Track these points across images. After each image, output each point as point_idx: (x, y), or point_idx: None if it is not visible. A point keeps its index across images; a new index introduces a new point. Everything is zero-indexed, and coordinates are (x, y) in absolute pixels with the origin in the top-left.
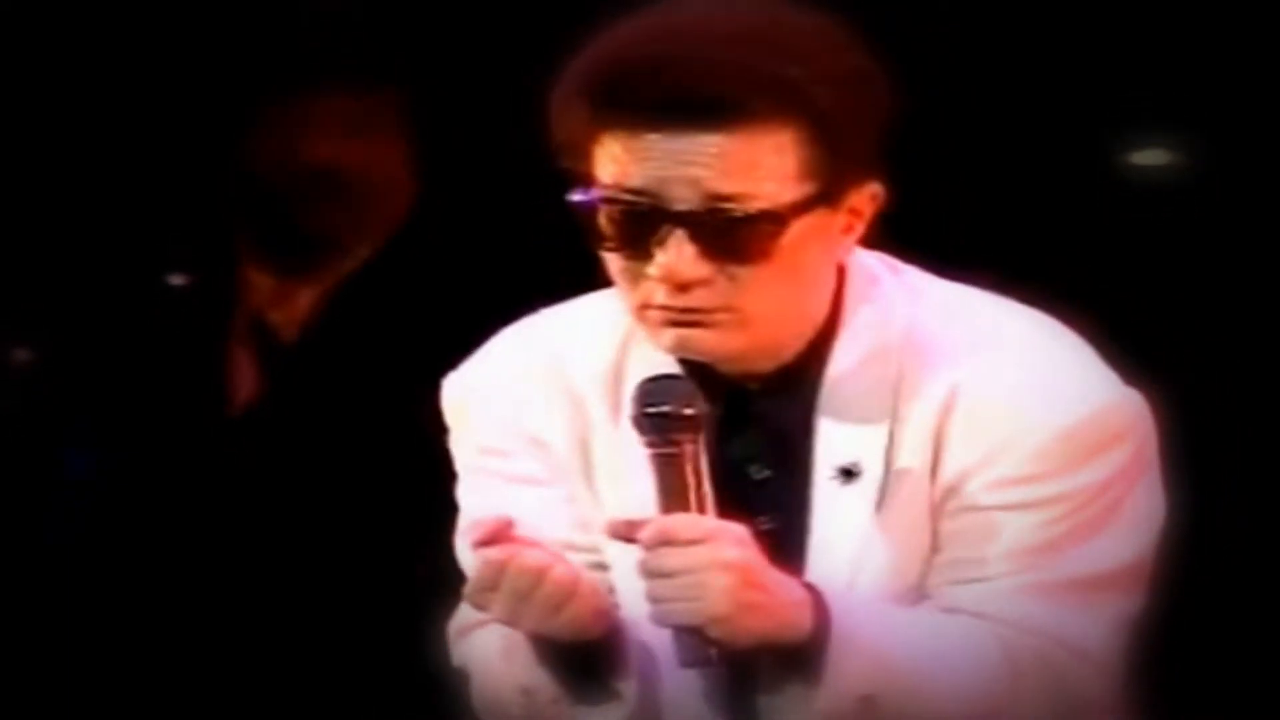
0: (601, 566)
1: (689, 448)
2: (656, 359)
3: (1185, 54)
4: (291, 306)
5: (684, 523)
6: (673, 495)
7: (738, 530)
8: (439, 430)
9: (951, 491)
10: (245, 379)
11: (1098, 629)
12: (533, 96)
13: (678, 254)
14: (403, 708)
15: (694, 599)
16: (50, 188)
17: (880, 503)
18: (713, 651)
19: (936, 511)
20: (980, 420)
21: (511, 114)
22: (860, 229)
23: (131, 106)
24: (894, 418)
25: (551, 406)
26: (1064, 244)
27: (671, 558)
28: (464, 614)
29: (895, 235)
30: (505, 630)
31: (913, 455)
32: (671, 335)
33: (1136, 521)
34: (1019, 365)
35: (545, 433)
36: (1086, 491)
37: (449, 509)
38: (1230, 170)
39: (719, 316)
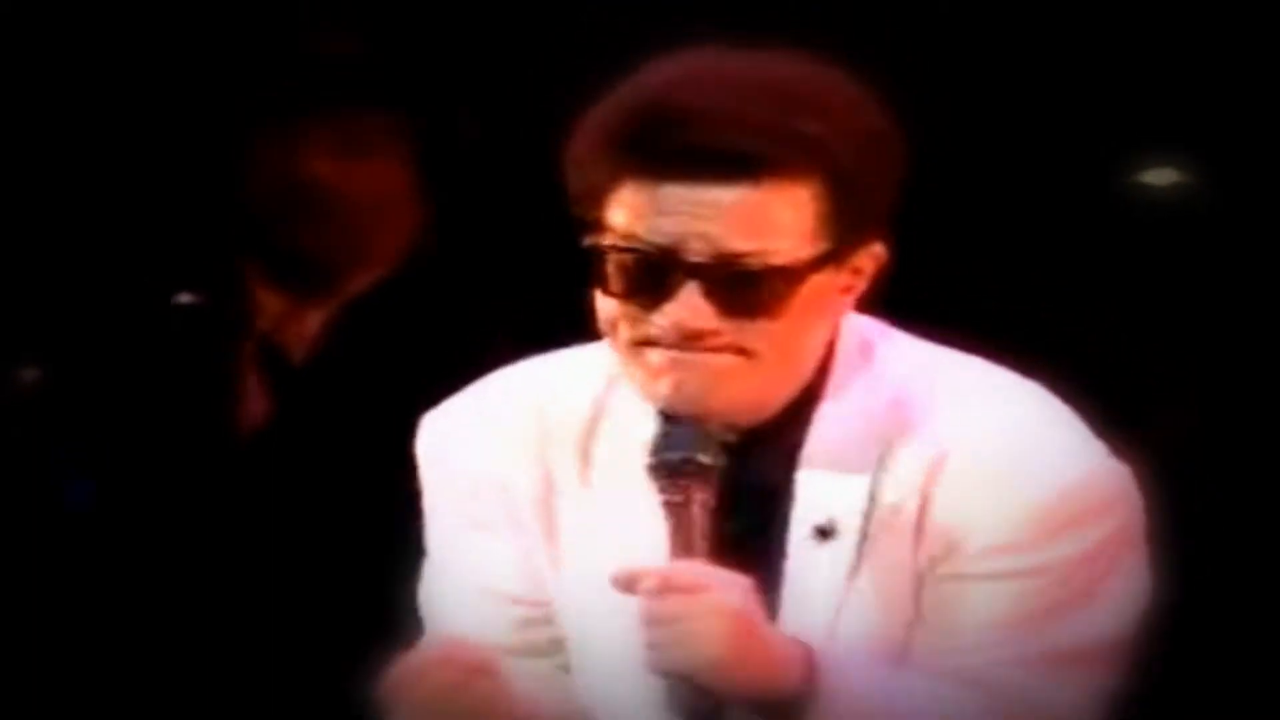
0: (544, 623)
1: (700, 496)
2: (634, 416)
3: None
4: (300, 328)
5: (687, 571)
6: (678, 544)
7: (740, 580)
8: None
9: (936, 559)
10: (254, 400)
11: (1077, 702)
12: (539, 120)
13: (687, 305)
14: None
15: (692, 645)
16: (57, 207)
17: (857, 564)
18: (704, 703)
19: (919, 580)
20: (966, 487)
21: (518, 137)
22: (860, 289)
23: (137, 126)
24: (875, 480)
25: (521, 459)
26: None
27: (673, 604)
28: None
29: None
30: None
31: (894, 519)
32: (663, 385)
33: (1121, 596)
34: (1006, 432)
35: (512, 484)
36: (1070, 562)
37: None
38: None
39: (721, 362)
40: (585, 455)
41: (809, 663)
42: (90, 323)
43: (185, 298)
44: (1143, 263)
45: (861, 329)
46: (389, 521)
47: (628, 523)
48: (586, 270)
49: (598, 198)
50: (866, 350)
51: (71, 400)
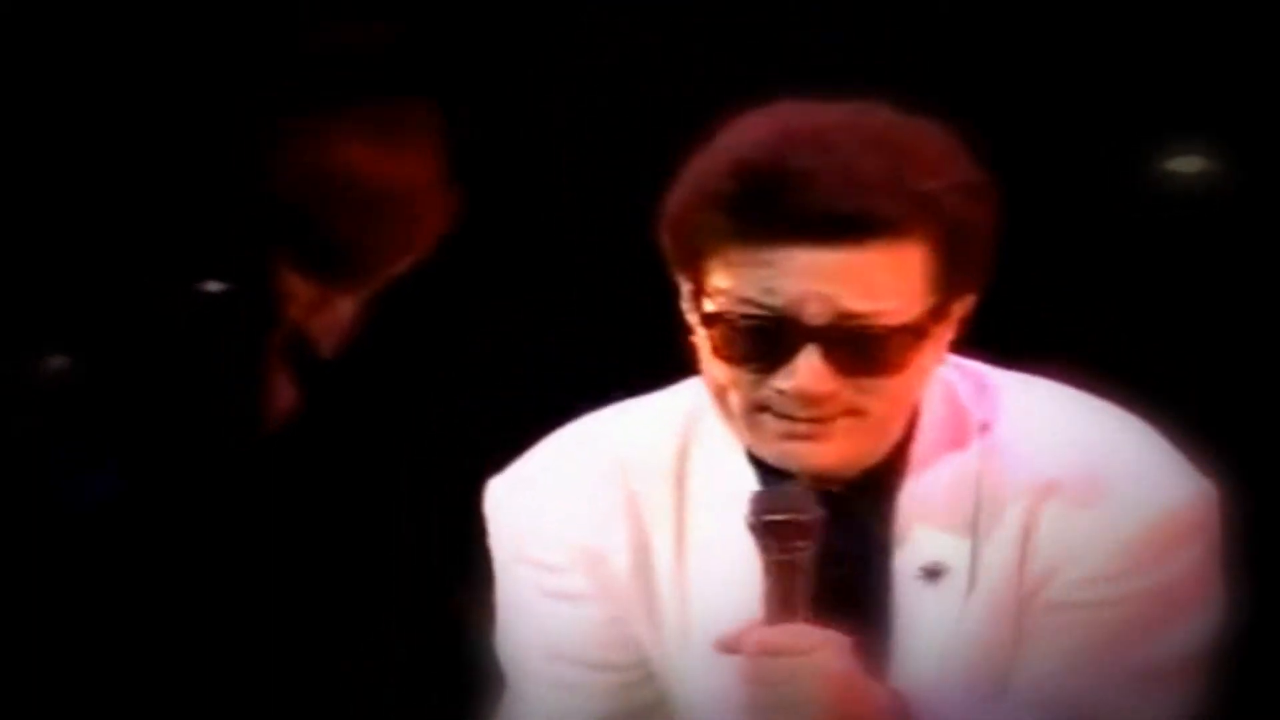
0: (636, 685)
1: (802, 555)
2: (721, 460)
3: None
4: (331, 318)
5: (791, 634)
6: (782, 601)
7: (842, 641)
8: (477, 445)
9: (1036, 589)
10: (283, 391)
11: (1166, 717)
12: (568, 109)
13: (809, 369)
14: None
15: (793, 709)
16: (84, 196)
17: (966, 601)
18: None
19: (1022, 610)
20: (1067, 518)
21: (553, 126)
22: (953, 334)
23: (166, 113)
24: (977, 516)
25: (610, 518)
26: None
27: (777, 668)
28: None
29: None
30: None
31: (999, 553)
32: (785, 448)
33: (1203, 613)
34: (1103, 461)
35: (603, 547)
36: (1162, 586)
37: (484, 521)
38: None
39: (840, 425)
40: (679, 505)
41: (904, 714)
42: (116, 312)
43: (212, 286)
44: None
45: (947, 375)
46: (416, 513)
47: (728, 569)
48: (614, 263)
49: (701, 261)
50: (945, 384)
51: (97, 390)
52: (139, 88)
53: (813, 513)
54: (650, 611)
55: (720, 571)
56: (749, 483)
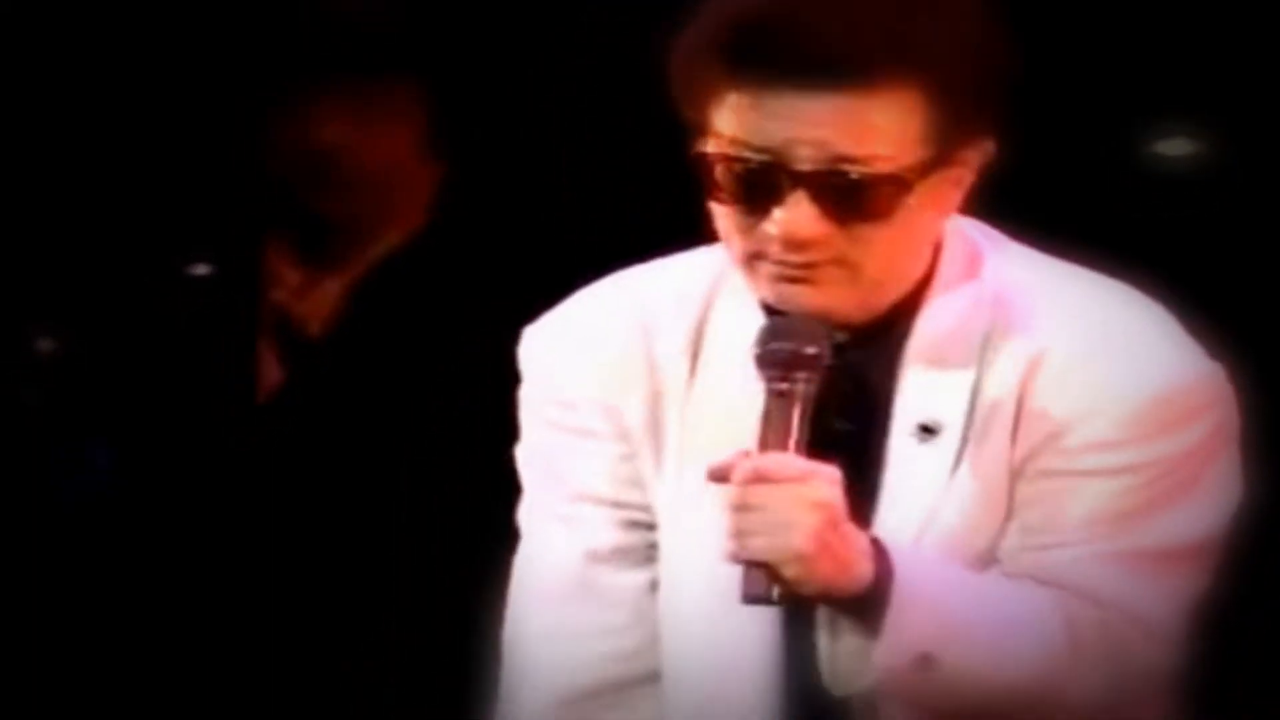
0: (644, 526)
1: (802, 387)
2: (741, 317)
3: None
4: (316, 299)
5: (780, 462)
6: (776, 432)
7: (831, 473)
8: (464, 423)
9: (1032, 455)
10: (270, 373)
11: (1165, 603)
12: (556, 86)
13: (797, 212)
14: (433, 703)
15: (778, 534)
16: (70, 180)
17: (957, 463)
18: (776, 590)
19: (1015, 476)
20: (1066, 384)
21: (536, 103)
22: (968, 182)
23: (150, 96)
24: (978, 378)
25: (628, 380)
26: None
27: (764, 493)
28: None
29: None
30: None
31: (995, 417)
32: (778, 290)
33: (1213, 497)
34: (1108, 331)
35: (620, 401)
36: (1167, 461)
37: (475, 503)
38: None
39: (830, 272)
40: (694, 359)
41: (882, 560)
42: (104, 295)
43: (199, 269)
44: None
45: (971, 236)
46: (405, 493)
47: (732, 420)
48: (606, 246)
49: (703, 103)
50: (974, 256)
51: (87, 373)
52: (126, 73)
53: (816, 346)
54: (657, 460)
55: (725, 416)
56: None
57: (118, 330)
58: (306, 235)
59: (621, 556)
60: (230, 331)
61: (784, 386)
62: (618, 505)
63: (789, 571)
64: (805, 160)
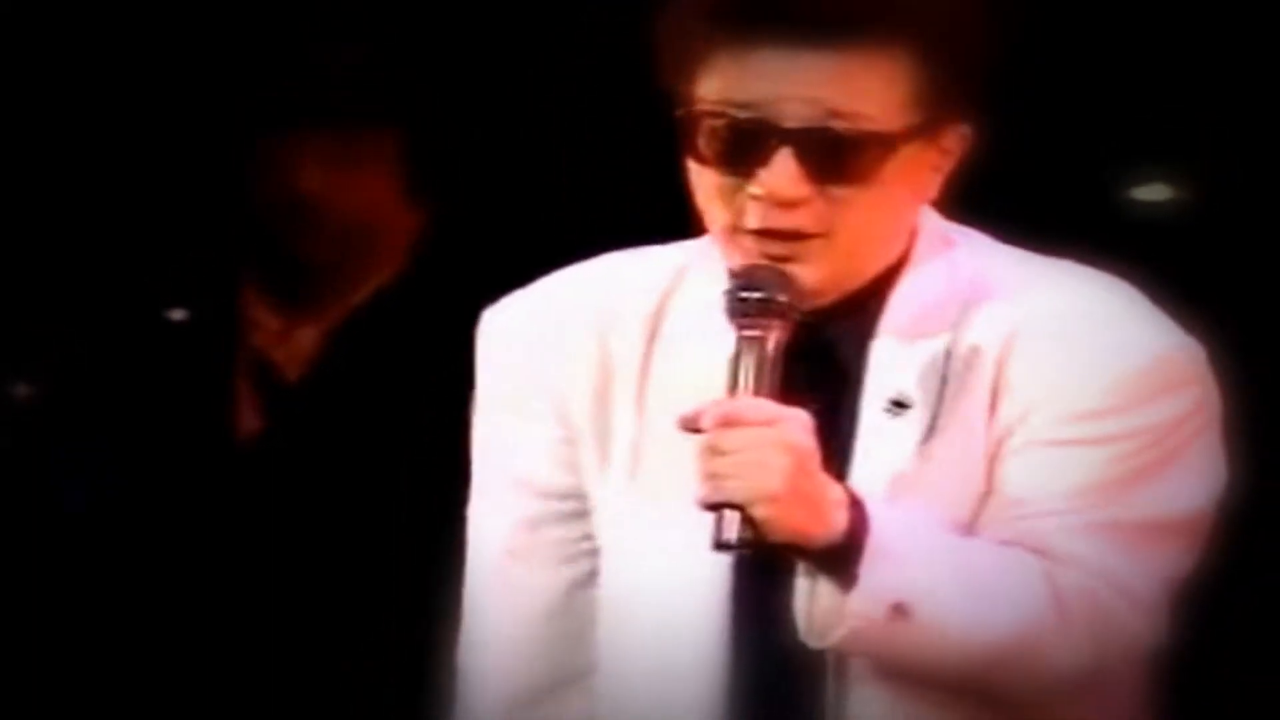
0: (576, 515)
1: (775, 335)
2: (698, 311)
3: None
4: (294, 345)
5: (752, 405)
6: (746, 378)
7: (803, 417)
8: (442, 469)
9: (1012, 428)
10: (248, 419)
11: (1151, 575)
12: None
13: (782, 171)
14: None
15: (750, 475)
16: (49, 223)
17: (929, 437)
18: (747, 536)
19: (993, 451)
20: (1044, 358)
21: (514, 153)
22: (948, 169)
23: (132, 140)
24: (950, 354)
25: (579, 371)
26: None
27: (736, 436)
28: None
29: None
30: None
31: (968, 392)
32: (755, 257)
33: (1198, 472)
34: (1083, 306)
35: (566, 386)
36: (1149, 433)
37: (453, 545)
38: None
39: (811, 245)
40: (646, 354)
41: (861, 513)
42: (84, 337)
43: (177, 313)
44: None
45: (945, 226)
46: (383, 536)
47: (695, 395)
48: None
49: (689, 68)
50: (948, 242)
51: (66, 414)
52: (107, 118)
53: (788, 295)
54: (603, 452)
55: (675, 408)
56: (719, 323)
57: (95, 375)
58: (285, 281)
59: (548, 548)
60: (208, 377)
61: (755, 333)
62: (547, 493)
63: (760, 512)
64: (794, 117)
